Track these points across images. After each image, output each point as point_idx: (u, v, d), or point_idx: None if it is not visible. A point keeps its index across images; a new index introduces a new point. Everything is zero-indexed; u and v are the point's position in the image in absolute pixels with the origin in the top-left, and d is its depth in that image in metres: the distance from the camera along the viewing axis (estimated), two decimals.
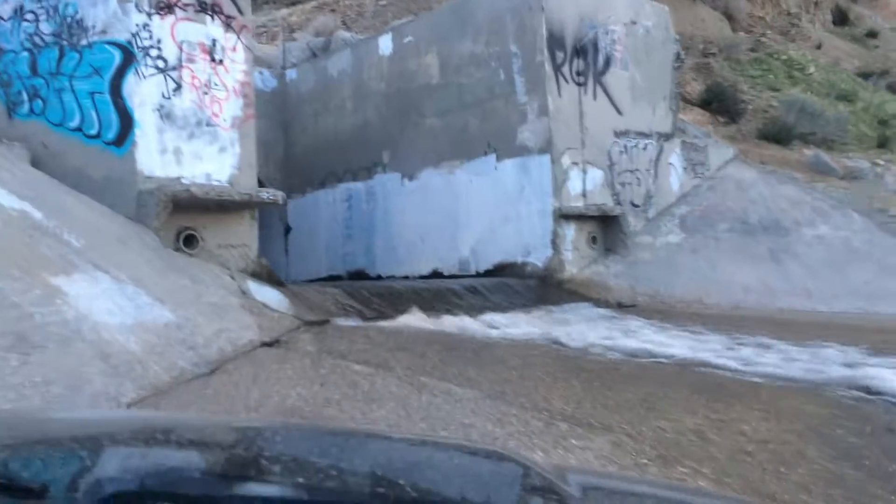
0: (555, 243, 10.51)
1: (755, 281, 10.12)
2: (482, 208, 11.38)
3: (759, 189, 12.40)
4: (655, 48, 12.53)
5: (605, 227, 11.21)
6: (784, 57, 20.05)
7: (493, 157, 11.25)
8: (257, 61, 14.60)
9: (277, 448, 1.28)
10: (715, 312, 9.41)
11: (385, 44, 12.88)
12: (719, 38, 20.25)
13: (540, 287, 10.18)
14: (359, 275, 13.33)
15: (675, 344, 6.35)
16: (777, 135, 15.07)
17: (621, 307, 9.80)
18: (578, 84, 11.07)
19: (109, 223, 6.23)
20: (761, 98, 17.49)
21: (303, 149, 14.52)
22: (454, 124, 11.80)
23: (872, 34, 25.76)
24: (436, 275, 12.02)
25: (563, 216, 10.56)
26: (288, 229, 14.77)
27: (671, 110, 12.75)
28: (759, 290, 9.94)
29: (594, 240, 11.06)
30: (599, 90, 11.39)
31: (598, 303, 9.91)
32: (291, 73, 14.70)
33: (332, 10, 21.33)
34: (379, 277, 12.99)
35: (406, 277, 12.48)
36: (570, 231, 10.70)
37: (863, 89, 18.69)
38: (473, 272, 11.51)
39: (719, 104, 16.03)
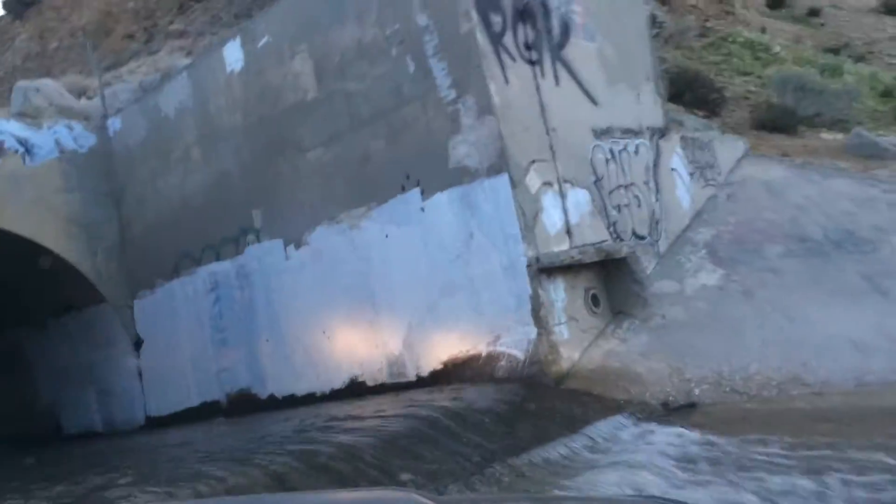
0: (538, 316, 6.36)
1: (868, 331, 6.16)
2: (411, 275, 7.20)
3: (801, 191, 8.62)
4: (623, 11, 8.73)
5: (609, 278, 7.14)
6: (740, 39, 16.81)
7: (416, 192, 7.12)
8: (65, 113, 10.27)
9: None
10: (843, 404, 5.39)
11: (233, 54, 8.71)
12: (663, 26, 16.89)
13: (527, 396, 5.96)
14: (244, 399, 8.89)
15: None
16: (778, 121, 11.52)
17: (675, 412, 5.70)
18: (531, 63, 7.11)
19: None
20: (735, 84, 14.05)
21: (144, 226, 10.10)
22: (349, 153, 7.66)
23: (814, 13, 23.10)
24: (355, 388, 7.72)
25: (544, 270, 6.45)
26: (139, 342, 10.23)
27: (659, 95, 8.93)
28: (883, 346, 5.98)
29: (595, 300, 6.97)
30: (562, 70, 7.45)
31: (634, 410, 5.78)
32: (114, 123, 10.34)
33: (189, 53, 17.11)
34: (273, 400, 8.58)
35: (311, 397, 8.13)
36: (558, 292, 6.59)
37: (843, 63, 15.60)
38: (413, 377, 7.26)
39: (693, 95, 12.46)
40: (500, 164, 6.54)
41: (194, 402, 9.48)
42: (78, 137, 10.19)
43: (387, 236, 7.39)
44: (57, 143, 9.99)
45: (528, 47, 7.11)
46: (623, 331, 6.91)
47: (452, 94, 6.81)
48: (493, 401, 5.70)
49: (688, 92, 12.71)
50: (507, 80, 6.76)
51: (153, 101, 9.85)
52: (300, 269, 8.21)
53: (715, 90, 13.03)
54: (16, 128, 9.68)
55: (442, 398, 6.11)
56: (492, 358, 6.63)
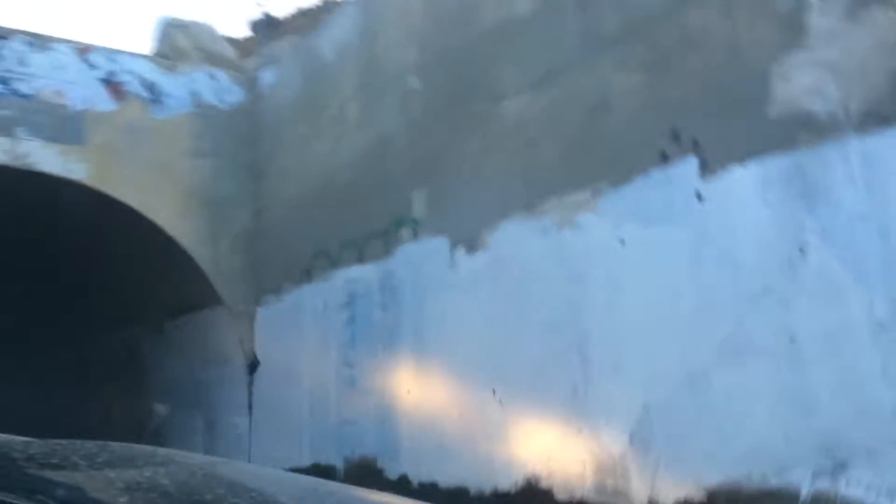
0: None
1: None
2: (662, 315, 3.90)
3: None
4: None
5: None
6: None
7: (689, 164, 3.84)
8: (212, 60, 8.11)
9: None
10: None
11: None
12: None
13: None
14: (366, 472, 5.92)
15: None
16: None
17: None
18: None
19: None
20: None
21: (283, 208, 7.59)
22: (572, 99, 4.54)
23: None
24: (534, 496, 4.50)
25: None
26: (253, 365, 7.65)
27: None
28: None
29: None
30: None
31: None
32: (268, 75, 7.99)
33: None
34: (404, 484, 5.53)
35: (462, 494, 4.98)
36: None
37: None
38: (643, 502, 3.90)
39: None
40: (891, 105, 3.12)
41: (305, 461, 6.66)
42: (221, 90, 7.94)
43: (622, 242, 4.15)
44: (192, 93, 7.78)
45: None
46: None
47: None
48: None
49: None
50: None
51: (312, 42, 7.36)
52: (470, 285, 5.15)
53: None
54: (144, 68, 7.58)
55: None
56: None
